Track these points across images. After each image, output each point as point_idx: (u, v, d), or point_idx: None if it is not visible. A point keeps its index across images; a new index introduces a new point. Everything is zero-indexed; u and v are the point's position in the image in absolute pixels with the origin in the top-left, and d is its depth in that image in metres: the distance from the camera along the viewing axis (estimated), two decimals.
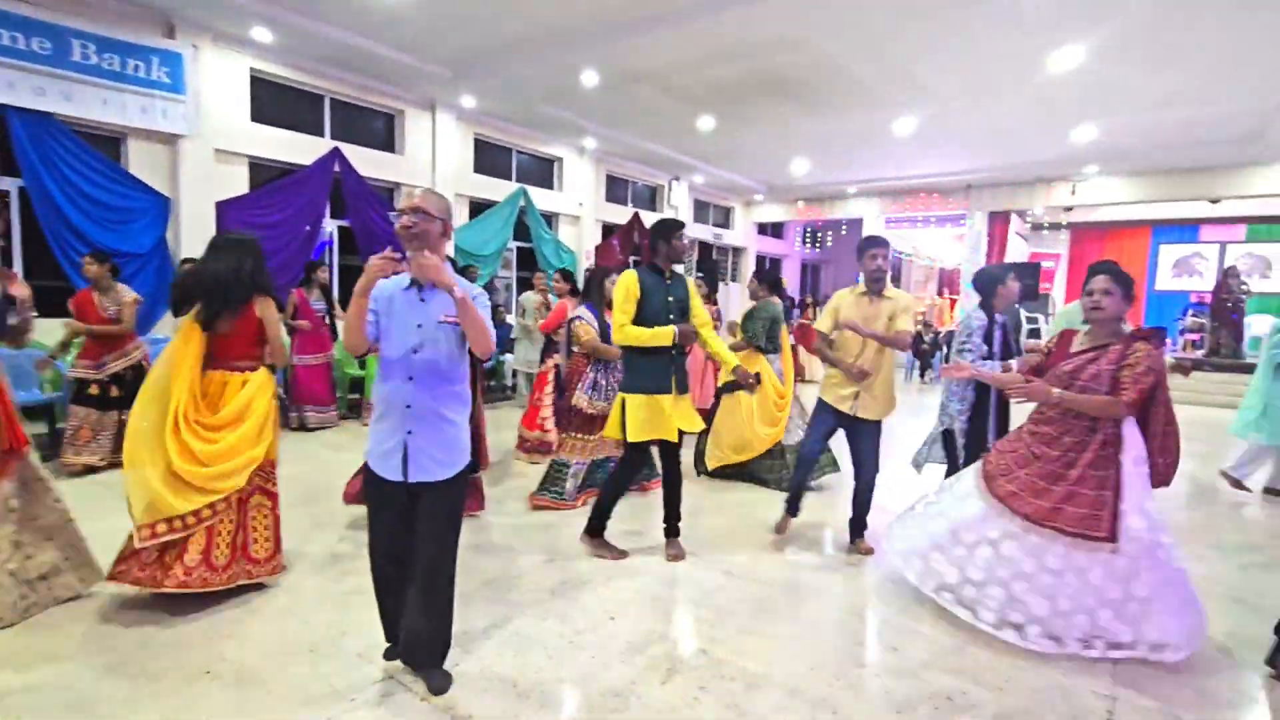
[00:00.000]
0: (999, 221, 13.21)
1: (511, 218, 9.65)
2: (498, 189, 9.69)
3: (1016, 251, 13.72)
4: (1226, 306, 10.20)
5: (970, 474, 2.91)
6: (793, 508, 3.84)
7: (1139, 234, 15.28)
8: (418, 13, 5.96)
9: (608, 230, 11.87)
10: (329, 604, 2.84)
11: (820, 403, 3.62)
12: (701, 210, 14.66)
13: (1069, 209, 13.47)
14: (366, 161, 7.91)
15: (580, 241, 11.15)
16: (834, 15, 5.64)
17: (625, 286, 3.23)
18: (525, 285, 10.75)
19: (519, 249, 10.53)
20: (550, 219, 10.80)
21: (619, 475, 3.45)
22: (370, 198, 7.81)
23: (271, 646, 2.50)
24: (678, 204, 13.29)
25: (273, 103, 7.22)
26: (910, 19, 5.67)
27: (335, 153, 7.41)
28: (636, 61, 6.92)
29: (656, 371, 3.28)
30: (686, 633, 2.74)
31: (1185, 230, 14.76)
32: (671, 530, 3.48)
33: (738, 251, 15.95)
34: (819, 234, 16.89)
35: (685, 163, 11.70)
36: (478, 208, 9.55)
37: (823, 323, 3.62)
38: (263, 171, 7.22)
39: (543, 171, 10.80)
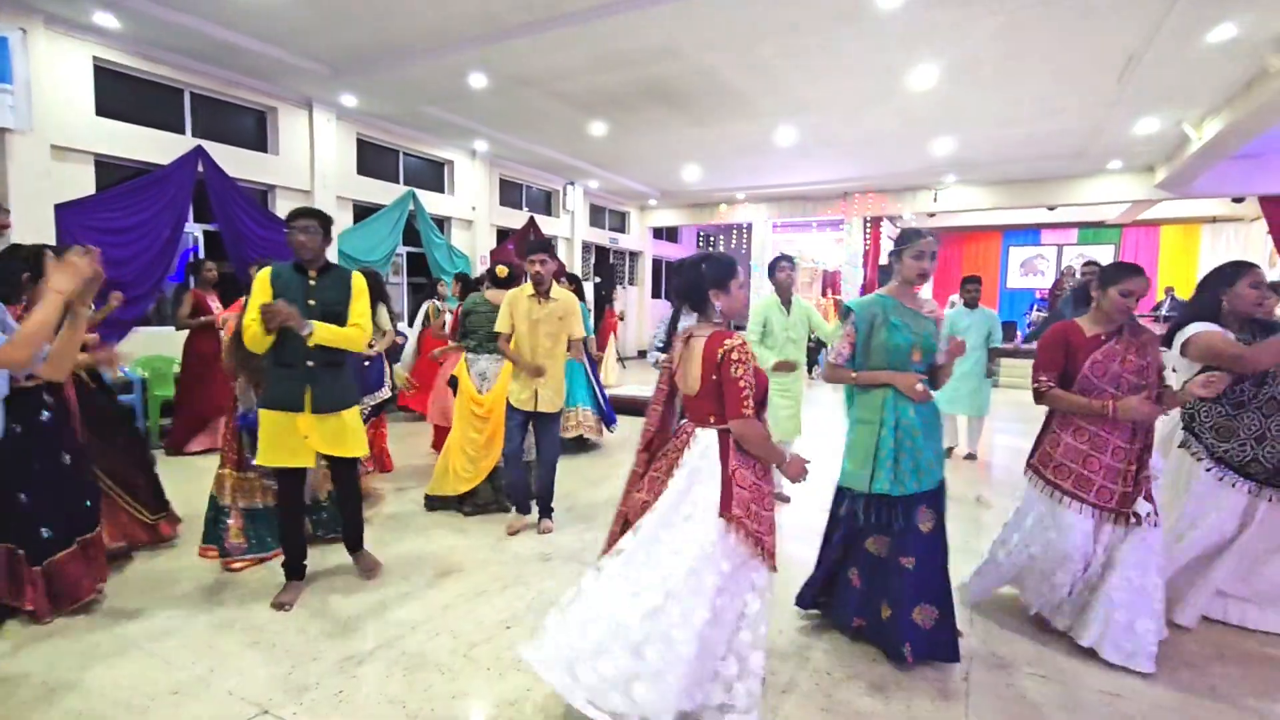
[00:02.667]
0: (874, 226, 14.18)
1: (400, 222, 9.31)
2: (385, 192, 9.32)
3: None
4: (1059, 299, 11.51)
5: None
6: (522, 506, 4.00)
7: (992, 237, 16.90)
8: (288, 7, 5.64)
9: (503, 234, 11.72)
10: (193, 639, 2.65)
11: (508, 406, 3.84)
12: (597, 214, 14.75)
13: (933, 215, 14.68)
14: (235, 161, 7.37)
15: (474, 246, 10.93)
16: (710, 27, 5.86)
17: (257, 284, 2.83)
18: (419, 291, 10.43)
19: (409, 253, 10.17)
20: (442, 223, 10.51)
21: (278, 510, 3.09)
22: (240, 200, 7.29)
23: (124, 693, 2.30)
24: (573, 208, 13.31)
25: (122, 95, 6.58)
26: (782, 34, 5.99)
27: (198, 151, 6.85)
28: (524, 65, 6.88)
29: (285, 383, 2.86)
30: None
31: (1030, 234, 16.50)
32: (355, 545, 3.31)
33: (634, 255, 16.18)
34: (711, 238, 17.45)
35: (579, 167, 11.74)
36: (363, 211, 9.14)
37: (501, 323, 3.78)
38: (112, 171, 6.56)
39: (433, 174, 10.49)
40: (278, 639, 2.67)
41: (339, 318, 2.91)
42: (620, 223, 15.71)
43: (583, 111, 8.43)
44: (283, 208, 8.08)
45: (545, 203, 13.18)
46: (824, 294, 18.82)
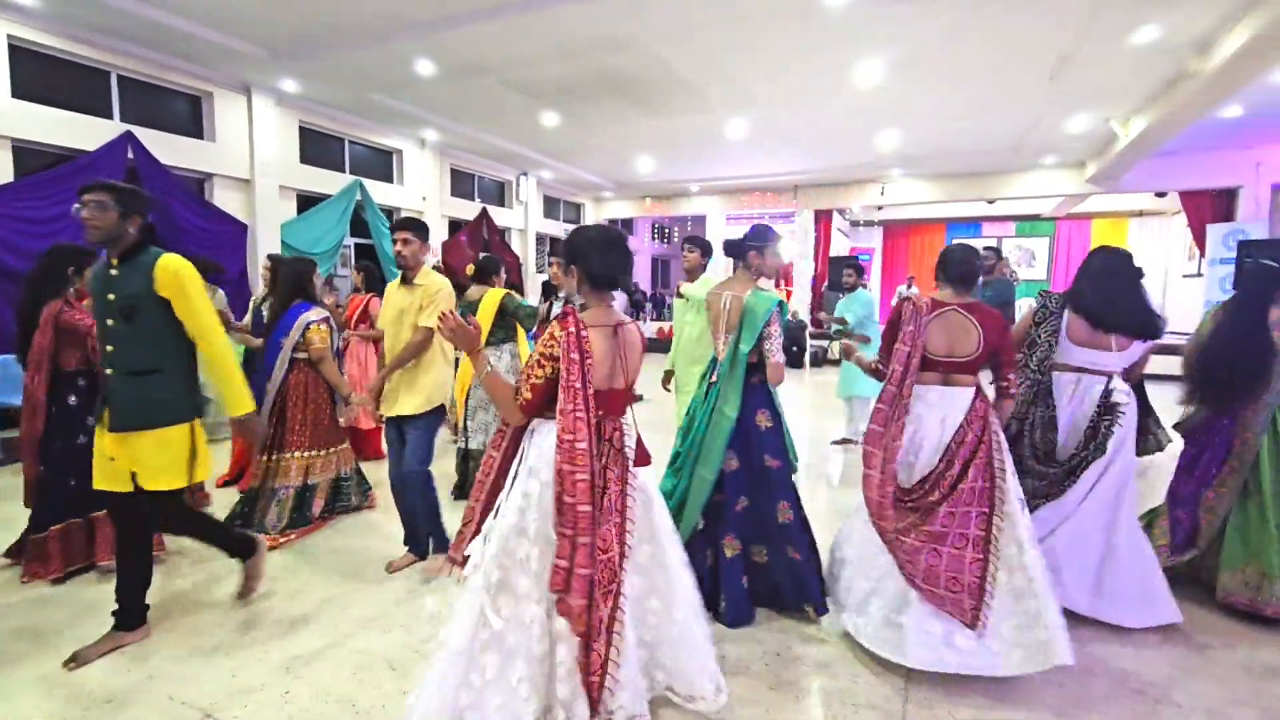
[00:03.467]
0: (824, 218, 14.46)
1: (347, 212, 9.06)
2: (330, 181, 9.05)
3: (839, 246, 15.11)
4: None
5: None
6: (410, 538, 3.31)
7: (936, 229, 17.44)
8: None
9: (455, 226, 11.52)
10: (130, 645, 2.56)
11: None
12: (552, 206, 14.64)
13: (880, 207, 15.07)
14: (169, 148, 7.05)
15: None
16: (661, 18, 5.87)
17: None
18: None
19: (357, 245, 9.92)
20: (391, 214, 10.26)
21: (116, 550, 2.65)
22: (175, 189, 6.98)
23: (57, 705, 2.21)
24: (527, 199, 13.18)
25: (42, 77, 6.20)
26: (733, 27, 6.05)
27: (127, 137, 6.53)
28: (474, 53, 6.77)
29: (96, 395, 2.65)
30: None
31: (971, 226, 17.08)
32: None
33: None
34: (666, 230, 17.52)
35: (532, 158, 11.62)
36: (308, 201, 8.86)
37: (381, 317, 3.37)
38: (32, 157, 6.19)
39: (381, 164, 10.23)
40: (220, 641, 2.60)
41: (136, 316, 2.38)
42: (575, 214, 15.63)
43: (535, 101, 8.34)
44: (221, 197, 7.77)
45: (498, 193, 13.01)
46: (777, 285, 19.13)
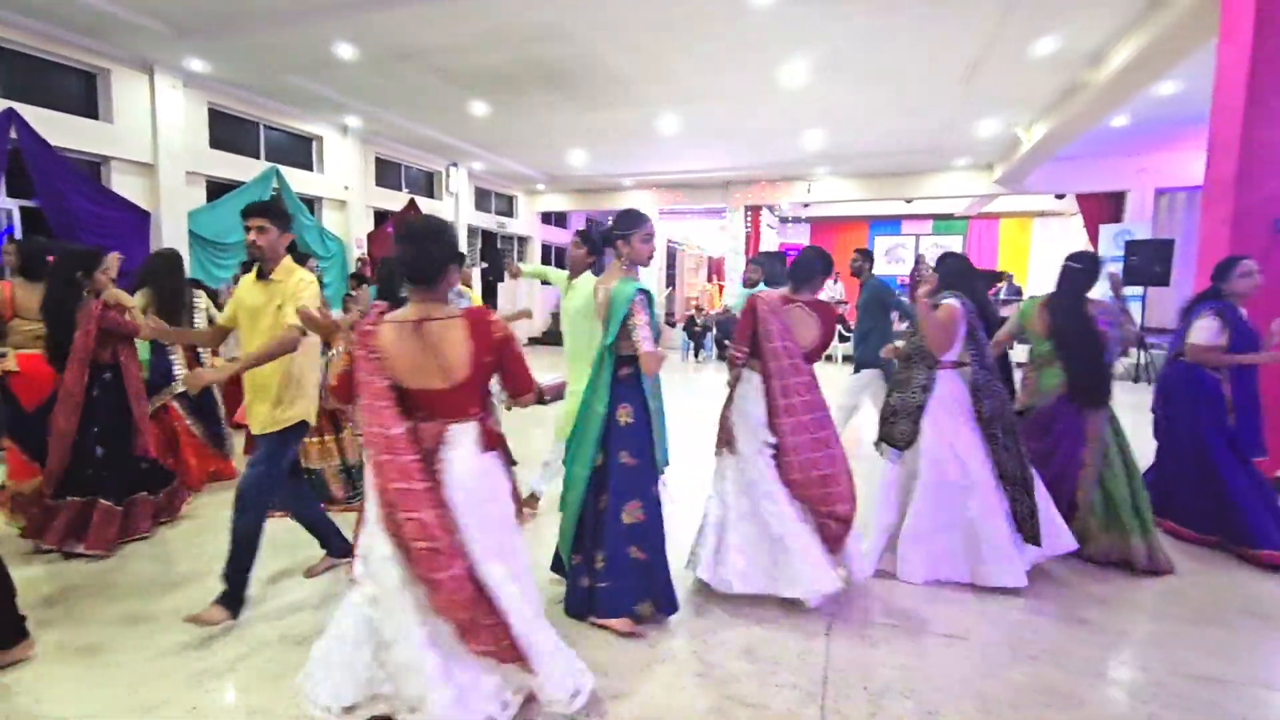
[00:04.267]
0: (754, 215, 14.77)
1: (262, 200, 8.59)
2: (243, 168, 8.57)
3: (769, 242, 15.47)
4: (916, 286, 12.60)
5: None
6: (326, 540, 3.17)
7: (860, 227, 18.12)
8: None
9: (380, 217, 11.13)
10: (20, 665, 2.38)
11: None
12: (483, 198, 14.36)
13: (807, 205, 15.52)
14: (59, 128, 6.51)
15: (348, 228, 10.32)
16: (593, 11, 5.85)
17: None
18: None
19: None
20: (311, 203, 9.83)
21: None
22: (66, 173, 6.46)
23: None
24: (457, 190, 12.87)
25: None
26: (664, 22, 6.09)
27: (8, 115, 5.99)
28: (398, 38, 6.55)
29: None
30: None
31: (892, 224, 17.84)
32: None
33: (523, 240, 15.91)
34: (599, 224, 17.45)
35: (462, 148, 11.36)
36: (219, 189, 8.37)
37: (224, 313, 2.93)
38: None
39: (299, 150, 9.76)
40: (120, 658, 2.45)
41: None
42: (508, 207, 15.38)
43: (465, 90, 8.16)
44: (120, 183, 7.24)
45: (427, 184, 12.66)
46: (709, 280, 19.46)
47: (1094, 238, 12.18)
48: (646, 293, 2.64)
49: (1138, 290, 9.72)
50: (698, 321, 13.43)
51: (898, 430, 3.20)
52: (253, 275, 2.81)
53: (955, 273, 3.25)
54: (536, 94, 8.21)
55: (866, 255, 5.39)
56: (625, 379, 2.69)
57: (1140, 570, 3.19)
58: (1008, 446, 3.02)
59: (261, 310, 2.74)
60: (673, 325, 14.82)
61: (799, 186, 13.73)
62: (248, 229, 2.70)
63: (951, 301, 3.10)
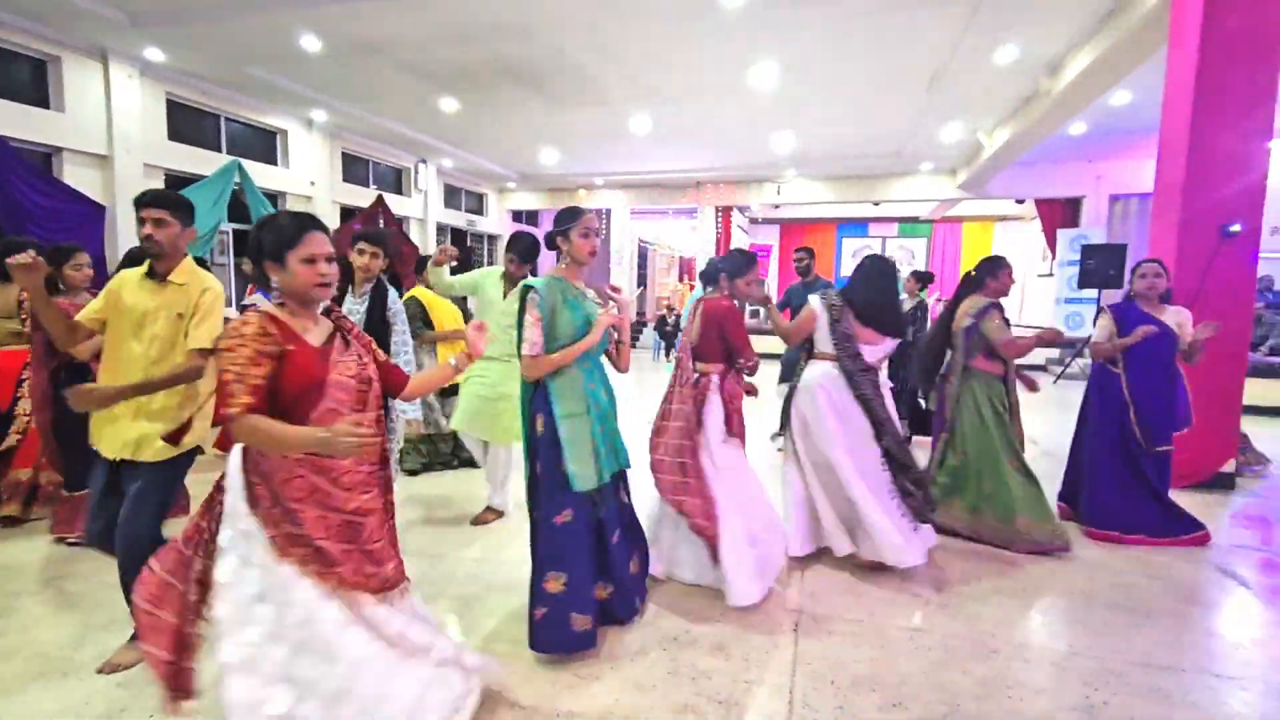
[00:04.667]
0: (724, 215, 14.89)
1: (224, 196, 8.38)
2: (204, 161, 8.35)
3: (739, 242, 15.61)
4: None
5: None
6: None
7: (828, 229, 18.40)
8: None
9: (347, 213, 10.94)
10: None
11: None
12: (453, 196, 14.21)
13: (777, 206, 15.71)
14: (6, 117, 6.29)
15: None
16: (562, 8, 5.85)
17: None
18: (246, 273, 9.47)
19: (236, 231, 9.21)
20: (275, 198, 9.61)
21: None
22: (15, 163, 6.21)
23: None
24: (426, 187, 12.72)
25: None
26: (633, 21, 6.11)
27: None
28: (364, 32, 6.45)
29: None
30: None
31: (859, 226, 18.15)
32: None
33: (493, 239, 15.79)
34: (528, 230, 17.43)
35: (431, 145, 11.22)
36: (178, 183, 8.13)
37: (85, 311, 2.38)
38: None
39: (263, 144, 9.54)
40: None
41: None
42: (478, 204, 15.25)
43: (434, 86, 8.06)
44: (73, 174, 6.99)
45: (395, 181, 12.48)
46: (680, 279, 19.54)
47: (1052, 242, 12.57)
48: (536, 289, 2.47)
49: (1093, 293, 10.06)
50: (669, 321, 13.49)
51: (783, 417, 3.43)
52: (139, 272, 2.37)
53: (866, 274, 3.28)
54: (507, 91, 8.16)
55: (810, 253, 5.44)
56: (538, 386, 2.50)
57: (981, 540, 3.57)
58: (888, 432, 3.15)
59: (151, 316, 2.29)
60: (644, 325, 14.87)
61: (769, 188, 13.89)
62: (142, 220, 2.29)
63: (811, 299, 3.32)
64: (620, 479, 2.73)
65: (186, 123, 8.31)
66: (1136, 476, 3.67)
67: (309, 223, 1.77)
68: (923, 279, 6.23)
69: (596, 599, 2.53)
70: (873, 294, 3.20)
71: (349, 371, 1.78)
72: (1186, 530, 3.63)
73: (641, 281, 17.52)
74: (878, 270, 3.26)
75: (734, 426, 3.04)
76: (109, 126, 7.19)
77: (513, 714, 2.12)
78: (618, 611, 2.66)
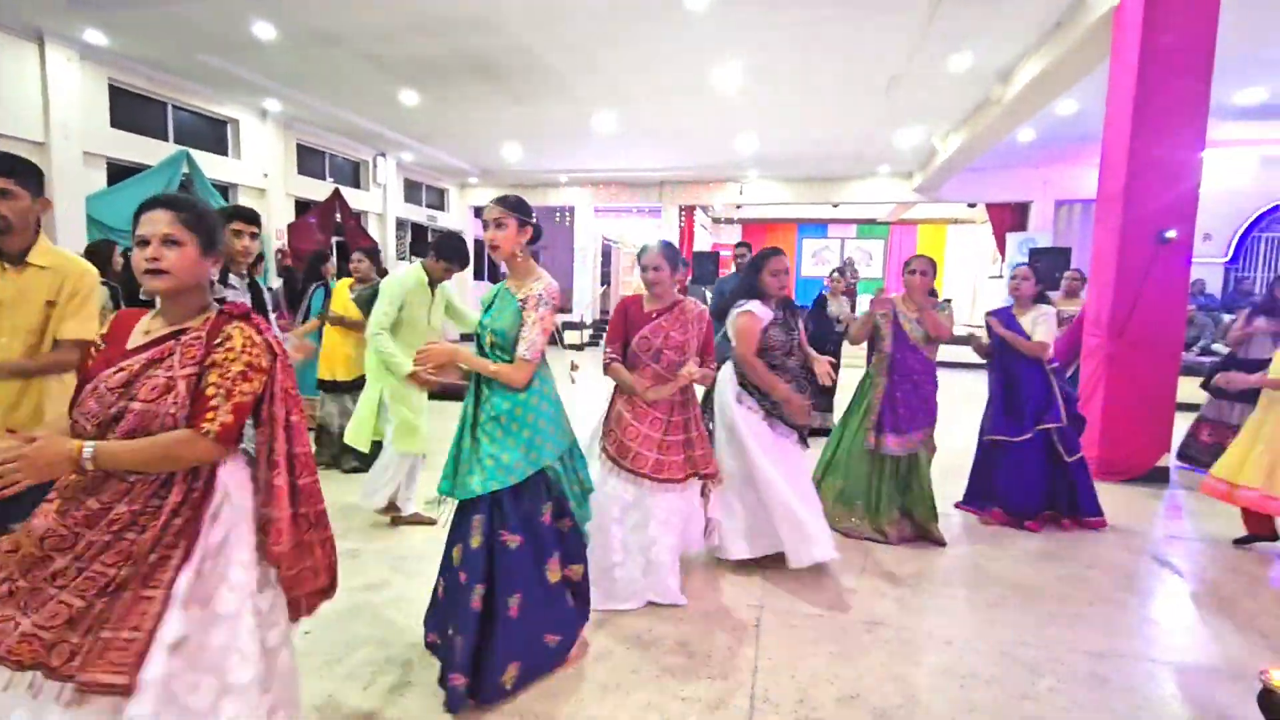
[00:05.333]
0: (688, 214, 14.98)
1: (172, 186, 8.07)
2: (150, 150, 8.03)
3: (702, 242, 15.73)
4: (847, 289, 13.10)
5: None
6: None
7: (789, 229, 18.66)
8: None
9: (303, 206, 10.64)
10: None
11: None
12: (414, 190, 13.96)
13: (739, 206, 15.87)
14: None
15: (269, 218, 9.80)
16: (527, 3, 5.80)
17: None
18: None
19: None
20: (226, 190, 9.29)
21: None
22: None
23: None
24: (385, 181, 12.46)
25: None
26: (599, 19, 6.09)
27: None
28: (322, 20, 6.28)
29: None
30: (394, 637, 2.68)
31: (819, 228, 18.46)
32: None
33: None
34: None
35: (391, 138, 10.99)
36: (122, 172, 7.80)
37: None
38: None
39: (214, 134, 9.22)
40: None
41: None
42: (439, 200, 15.01)
43: (393, 78, 7.90)
44: None
45: (353, 174, 12.19)
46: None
47: (1002, 245, 13.00)
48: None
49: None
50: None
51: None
52: None
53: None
54: (469, 85, 8.05)
55: (748, 246, 5.50)
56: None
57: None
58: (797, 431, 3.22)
59: (12, 305, 1.98)
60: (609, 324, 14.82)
61: (731, 188, 14.02)
62: None
63: (750, 307, 3.17)
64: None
65: (131, 110, 7.97)
66: (996, 465, 4.00)
67: (155, 201, 1.44)
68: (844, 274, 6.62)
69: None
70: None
71: (108, 382, 1.38)
72: (1035, 511, 3.90)
73: (605, 280, 17.50)
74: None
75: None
76: (45, 111, 6.84)
77: (476, 715, 2.11)
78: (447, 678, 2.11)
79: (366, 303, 3.78)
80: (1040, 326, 3.82)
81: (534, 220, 2.31)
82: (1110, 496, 4.45)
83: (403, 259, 13.07)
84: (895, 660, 2.51)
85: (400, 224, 13.35)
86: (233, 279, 2.86)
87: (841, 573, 3.26)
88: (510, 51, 6.91)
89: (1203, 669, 2.53)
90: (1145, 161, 4.67)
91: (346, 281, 4.84)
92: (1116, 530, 3.93)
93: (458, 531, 2.23)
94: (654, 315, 2.85)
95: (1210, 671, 2.50)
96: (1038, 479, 3.87)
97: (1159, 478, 4.91)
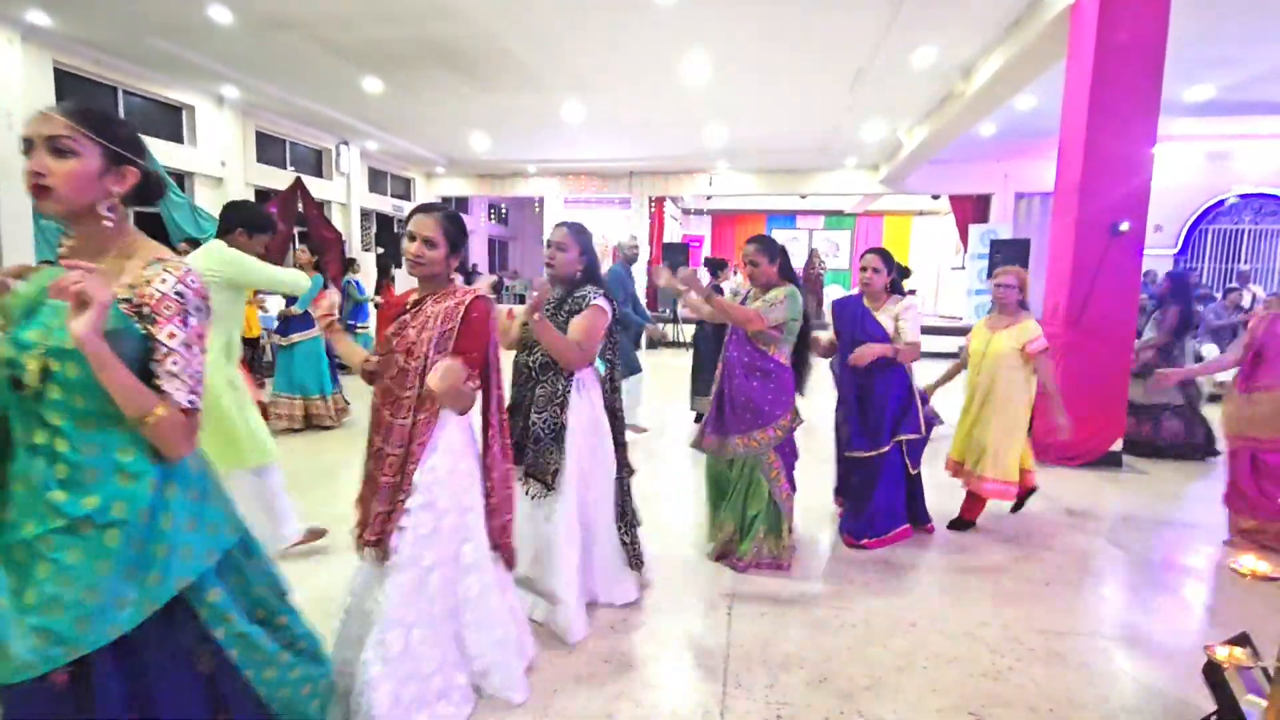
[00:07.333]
0: (658, 205, 14.98)
1: None
2: None
3: (672, 233, 15.75)
4: (813, 279, 13.25)
5: None
6: None
7: (757, 220, 18.82)
8: None
9: (262, 195, 10.34)
10: None
11: None
12: (378, 179, 13.68)
13: (709, 197, 15.92)
14: None
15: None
16: None
17: None
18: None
19: (138, 214, 8.56)
20: (182, 179, 8.99)
21: None
22: None
23: None
24: (349, 171, 12.19)
25: None
26: (565, 7, 6.02)
27: None
28: (280, 5, 6.09)
29: None
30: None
31: (788, 219, 18.65)
32: None
33: None
34: (504, 210, 17.12)
35: (354, 126, 10.75)
36: None
37: None
38: None
39: (167, 121, 8.89)
40: None
41: None
42: (405, 189, 14.74)
43: (355, 65, 7.72)
44: None
45: (315, 163, 11.89)
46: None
47: (964, 236, 13.27)
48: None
49: None
50: None
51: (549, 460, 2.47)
52: None
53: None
54: (435, 74, 7.91)
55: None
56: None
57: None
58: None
59: None
60: None
61: (701, 179, 14.05)
62: None
63: (599, 302, 2.52)
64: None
65: (78, 94, 7.63)
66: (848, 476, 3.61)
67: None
68: (713, 265, 6.96)
69: None
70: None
71: None
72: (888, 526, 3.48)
73: None
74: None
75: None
76: None
77: None
78: None
79: None
80: (905, 323, 3.30)
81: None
82: (1067, 481, 4.60)
83: (368, 249, 12.82)
84: (862, 643, 2.58)
85: (365, 214, 13.09)
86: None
87: (810, 562, 3.32)
88: (475, 40, 6.80)
89: (1153, 645, 2.64)
90: (1100, 155, 4.81)
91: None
92: (1073, 513, 4.07)
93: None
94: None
95: (1159, 647, 2.62)
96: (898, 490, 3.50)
97: (1112, 462, 5.10)
